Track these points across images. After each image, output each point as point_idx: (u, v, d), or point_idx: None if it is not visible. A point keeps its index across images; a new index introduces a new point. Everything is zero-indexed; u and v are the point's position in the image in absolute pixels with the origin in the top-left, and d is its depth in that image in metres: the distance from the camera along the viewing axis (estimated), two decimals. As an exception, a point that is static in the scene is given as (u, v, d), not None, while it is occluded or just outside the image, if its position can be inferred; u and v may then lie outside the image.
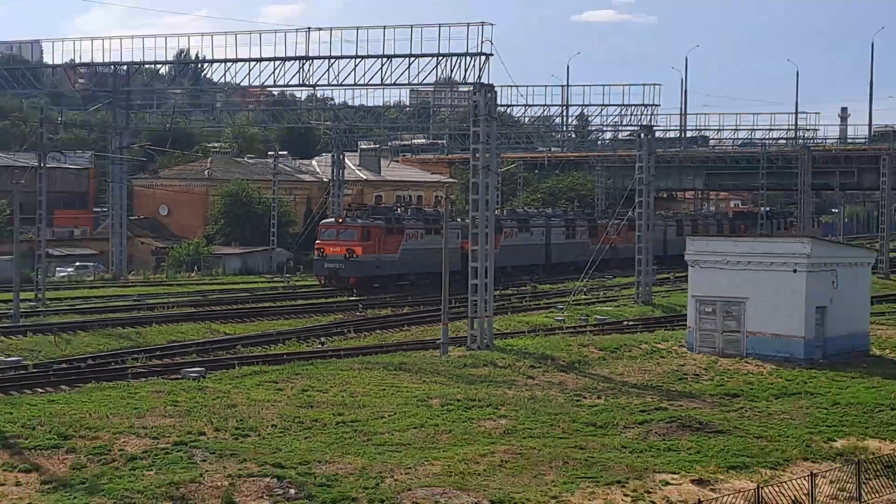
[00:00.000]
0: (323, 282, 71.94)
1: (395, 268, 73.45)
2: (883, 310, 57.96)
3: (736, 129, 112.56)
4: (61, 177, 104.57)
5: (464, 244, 77.15)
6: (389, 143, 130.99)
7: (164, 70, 78.78)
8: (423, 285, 72.01)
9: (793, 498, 22.77)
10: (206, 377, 34.92)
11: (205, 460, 23.80)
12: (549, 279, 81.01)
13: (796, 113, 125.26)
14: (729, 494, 22.40)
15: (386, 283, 71.80)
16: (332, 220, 75.44)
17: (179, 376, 35.16)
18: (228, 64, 58.15)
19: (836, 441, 28.34)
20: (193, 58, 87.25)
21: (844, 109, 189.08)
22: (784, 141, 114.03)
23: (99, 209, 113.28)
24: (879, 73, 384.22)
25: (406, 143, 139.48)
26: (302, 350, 44.64)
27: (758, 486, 22.58)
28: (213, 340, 47.28)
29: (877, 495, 24.22)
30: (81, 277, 78.40)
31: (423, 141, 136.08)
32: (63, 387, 34.71)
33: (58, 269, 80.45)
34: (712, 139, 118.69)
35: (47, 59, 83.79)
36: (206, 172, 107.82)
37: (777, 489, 22.80)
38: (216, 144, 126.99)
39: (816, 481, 23.20)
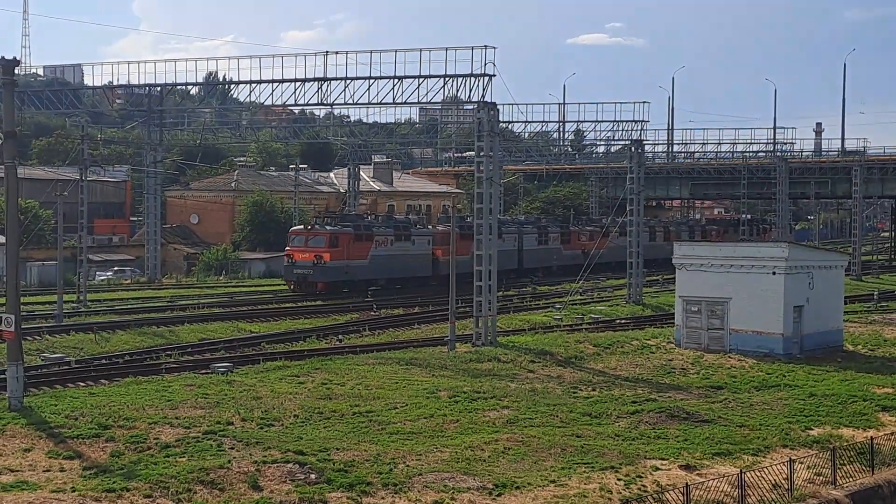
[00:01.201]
0: (292, 287, 68.62)
1: (364, 273, 70.26)
2: (855, 308, 57.84)
3: (719, 143, 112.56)
4: (101, 189, 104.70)
5: (435, 251, 75.94)
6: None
7: (194, 91, 78.58)
8: (394, 289, 70.49)
9: (773, 482, 22.70)
10: (234, 372, 34.88)
11: (233, 448, 23.79)
12: (522, 283, 79.36)
13: (774, 128, 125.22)
14: (714, 479, 22.35)
15: (355, 287, 68.96)
16: (302, 227, 72.00)
17: (209, 371, 35.13)
18: (253, 85, 58.13)
19: (812, 430, 28.26)
20: (221, 79, 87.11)
21: (819, 125, 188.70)
22: (763, 154, 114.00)
23: (135, 218, 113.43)
24: (851, 91, 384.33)
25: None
26: (321, 347, 44.56)
27: (741, 470, 22.53)
28: (240, 338, 47.20)
29: (850, 479, 24.14)
30: (119, 281, 78.54)
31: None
32: (103, 381, 34.71)
33: (98, 273, 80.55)
34: (697, 152, 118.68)
35: (88, 81, 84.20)
36: (232, 184, 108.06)
37: (758, 474, 22.74)
38: (242, 158, 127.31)
39: (795, 466, 23.15)
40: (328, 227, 69.64)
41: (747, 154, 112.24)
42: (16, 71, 30.01)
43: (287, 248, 70.10)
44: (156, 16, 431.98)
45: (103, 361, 39.89)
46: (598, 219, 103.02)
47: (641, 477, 22.81)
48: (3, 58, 29.31)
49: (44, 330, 45.95)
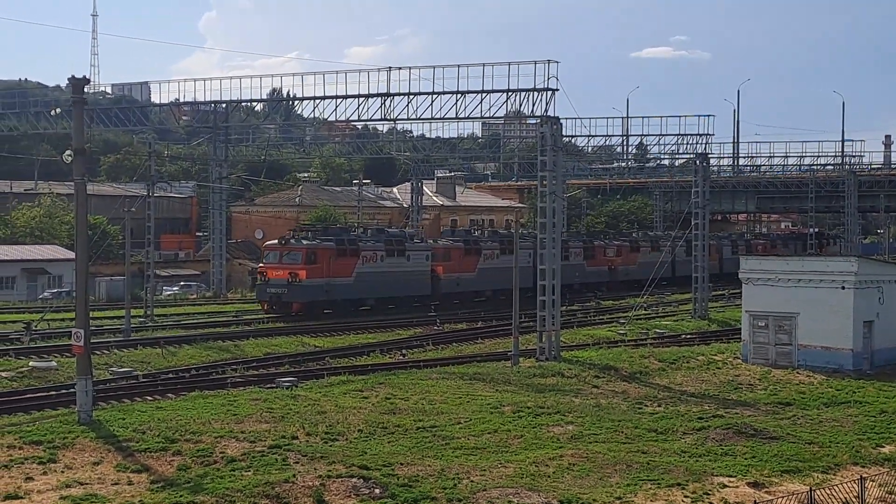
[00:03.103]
0: (266, 308, 62.17)
1: (349, 292, 63.89)
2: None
3: (786, 156, 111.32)
4: (167, 204, 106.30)
5: (435, 267, 70.43)
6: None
7: (258, 107, 79.44)
8: (387, 310, 65.02)
9: (843, 500, 22.31)
10: (298, 386, 35.10)
11: (297, 462, 23.92)
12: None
13: (842, 140, 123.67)
14: (783, 497, 22.02)
15: (339, 308, 63.19)
16: (276, 242, 64.73)
17: (274, 385, 35.41)
18: (317, 101, 58.34)
19: (884, 447, 27.79)
20: (285, 96, 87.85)
21: (888, 137, 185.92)
22: (831, 167, 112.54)
23: (201, 233, 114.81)
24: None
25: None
26: (385, 361, 44.69)
27: (810, 488, 22.18)
28: (304, 353, 47.45)
29: (923, 498, 23.70)
30: (185, 296, 79.38)
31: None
32: (169, 395, 35.12)
33: (164, 288, 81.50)
34: (763, 165, 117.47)
35: (155, 98, 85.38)
36: (296, 199, 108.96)
37: (828, 492, 22.38)
38: (305, 174, 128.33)
39: (866, 485, 22.74)
40: (305, 242, 62.95)
41: (815, 167, 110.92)
42: (85, 89, 30.58)
43: (260, 264, 64.32)
44: (221, 33, 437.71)
45: (170, 375, 40.32)
46: (628, 233, 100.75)
47: (709, 494, 22.58)
48: (73, 76, 29.89)
49: (112, 344, 46.55)
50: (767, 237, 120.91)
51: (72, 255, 62.95)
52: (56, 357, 42.08)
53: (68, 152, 29.44)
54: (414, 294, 68.88)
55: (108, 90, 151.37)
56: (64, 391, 34.84)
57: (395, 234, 71.77)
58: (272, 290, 61.33)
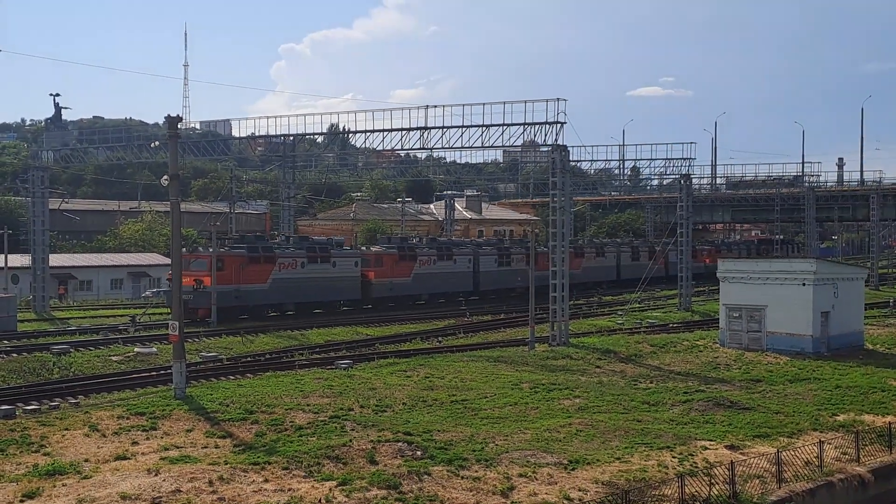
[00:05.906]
0: None
1: (264, 297, 56.03)
2: (874, 314, 56.14)
3: (755, 176, 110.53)
4: (245, 219, 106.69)
5: (366, 272, 62.85)
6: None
7: (319, 139, 79.84)
8: (308, 315, 57.59)
9: (805, 460, 22.19)
10: (353, 367, 35.18)
11: (353, 429, 23.98)
12: (478, 306, 65.29)
13: (802, 162, 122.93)
14: (755, 457, 21.90)
15: (255, 313, 55.58)
16: (185, 251, 53.54)
17: (333, 367, 35.47)
18: (367, 133, 58.46)
19: (838, 416, 27.54)
20: (342, 129, 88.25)
21: (841, 159, 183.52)
22: (793, 184, 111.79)
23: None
24: (868, 130, 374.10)
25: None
26: (424, 347, 44.60)
27: (777, 450, 22.04)
28: (358, 340, 47.42)
29: (872, 458, 23.52)
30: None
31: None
32: (248, 375, 35.22)
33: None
34: (737, 183, 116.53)
35: (235, 132, 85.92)
36: (351, 214, 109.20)
37: (793, 453, 22.24)
38: (358, 193, 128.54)
39: (824, 447, 22.63)
40: (210, 251, 54.23)
41: (780, 185, 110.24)
42: (178, 126, 30.85)
43: (169, 272, 58.01)
44: (289, 79, 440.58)
45: (248, 359, 40.47)
46: (574, 239, 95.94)
47: (693, 455, 22.45)
48: (168, 115, 30.22)
49: (201, 333, 46.81)
50: (713, 244, 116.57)
51: (168, 261, 63.24)
52: (156, 344, 42.43)
53: (165, 177, 29.67)
54: (342, 298, 61.74)
55: (197, 126, 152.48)
56: (163, 372, 35.11)
57: (319, 241, 63.79)
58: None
